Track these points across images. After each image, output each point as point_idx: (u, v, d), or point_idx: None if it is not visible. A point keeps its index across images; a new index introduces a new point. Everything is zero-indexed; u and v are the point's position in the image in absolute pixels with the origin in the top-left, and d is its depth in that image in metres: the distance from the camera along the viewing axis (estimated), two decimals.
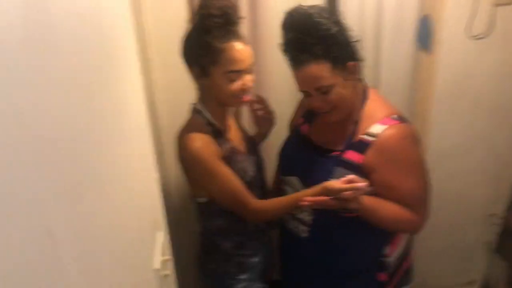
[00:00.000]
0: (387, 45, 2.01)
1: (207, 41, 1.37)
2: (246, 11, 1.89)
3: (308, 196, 1.39)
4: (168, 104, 1.90)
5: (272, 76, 1.99)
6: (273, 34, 1.86)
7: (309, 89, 1.42)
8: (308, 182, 1.48)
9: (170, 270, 1.13)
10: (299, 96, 1.78)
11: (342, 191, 1.30)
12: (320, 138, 1.60)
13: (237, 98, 1.46)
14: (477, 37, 1.92)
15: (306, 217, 1.57)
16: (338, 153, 1.49)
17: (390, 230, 1.55)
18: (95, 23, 0.73)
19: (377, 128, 1.44)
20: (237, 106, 1.53)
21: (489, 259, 2.40)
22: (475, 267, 2.47)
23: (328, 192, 1.33)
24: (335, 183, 1.33)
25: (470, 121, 2.11)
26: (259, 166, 1.67)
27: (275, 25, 1.49)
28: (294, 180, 1.58)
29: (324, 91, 1.40)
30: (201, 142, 1.42)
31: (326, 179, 1.40)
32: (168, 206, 1.94)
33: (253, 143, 1.70)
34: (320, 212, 1.54)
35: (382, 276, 1.62)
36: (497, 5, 1.85)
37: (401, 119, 1.47)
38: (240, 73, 1.42)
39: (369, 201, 1.39)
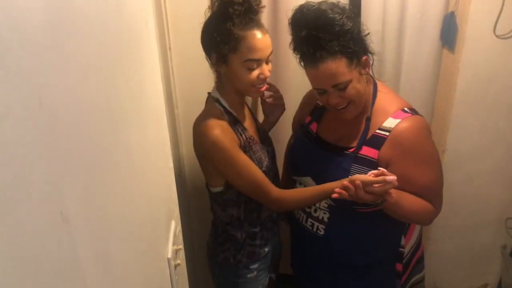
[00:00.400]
0: (410, 41, 1.97)
1: (227, 28, 1.36)
2: (267, 0, 1.88)
3: (333, 189, 1.37)
4: (185, 93, 1.89)
5: (289, 68, 1.98)
6: None
7: (326, 87, 1.40)
8: (323, 181, 1.46)
9: (181, 260, 1.13)
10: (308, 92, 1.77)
11: (373, 184, 1.29)
12: (331, 136, 1.58)
13: (254, 88, 1.45)
14: (503, 37, 1.88)
15: (322, 215, 1.57)
16: (353, 150, 1.48)
17: (409, 221, 1.55)
18: (115, 8, 0.72)
19: (390, 122, 1.45)
20: (255, 96, 1.52)
21: (504, 263, 2.36)
22: (490, 270, 2.44)
23: (356, 184, 1.31)
24: (364, 176, 1.32)
25: (491, 122, 2.07)
26: (273, 156, 1.67)
27: None
28: (308, 180, 1.57)
29: (342, 87, 1.39)
30: (220, 129, 1.42)
31: (343, 177, 1.39)
32: (181, 196, 1.95)
33: (266, 134, 1.70)
34: (336, 210, 1.54)
35: (399, 266, 1.65)
36: None
37: (413, 111, 1.48)
38: (259, 62, 1.41)
39: (395, 194, 1.37)
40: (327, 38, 1.33)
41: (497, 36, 1.87)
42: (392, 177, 1.27)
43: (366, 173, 1.36)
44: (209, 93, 1.58)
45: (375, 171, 1.32)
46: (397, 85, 2.06)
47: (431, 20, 1.94)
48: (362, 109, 1.49)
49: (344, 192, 1.32)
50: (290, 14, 1.44)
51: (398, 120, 1.44)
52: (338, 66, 1.35)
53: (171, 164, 1.10)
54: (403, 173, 1.40)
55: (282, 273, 1.99)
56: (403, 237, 1.63)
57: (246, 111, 1.62)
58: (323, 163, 1.54)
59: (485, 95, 2.00)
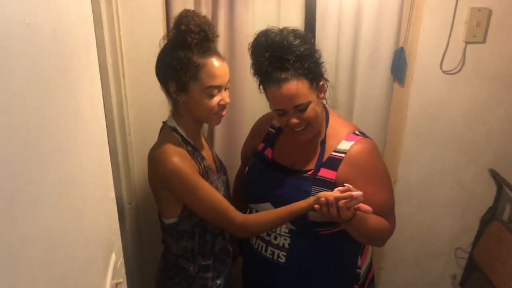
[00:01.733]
0: (362, 74, 2.04)
1: (186, 57, 1.37)
2: (222, 30, 1.91)
3: (301, 208, 1.39)
4: (139, 120, 1.87)
5: (246, 94, 2.00)
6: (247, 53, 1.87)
7: (288, 107, 1.43)
8: (284, 205, 1.46)
9: None
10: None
11: (340, 200, 1.31)
12: (286, 161, 1.60)
13: (215, 114, 1.46)
14: (449, 72, 1.96)
15: (283, 241, 1.57)
16: (311, 172, 1.51)
17: (369, 240, 1.56)
18: (51, 36, 0.70)
19: (344, 145, 1.51)
20: (215, 123, 1.52)
21: None
22: None
23: (330, 201, 1.32)
24: (330, 193, 1.34)
25: (439, 154, 2.13)
26: (227, 186, 1.66)
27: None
28: (266, 206, 1.56)
29: (302, 108, 1.42)
30: (179, 156, 1.41)
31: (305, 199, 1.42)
32: (131, 226, 1.91)
33: (221, 162, 1.70)
34: (297, 234, 1.55)
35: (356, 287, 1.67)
36: (467, 42, 1.90)
37: (363, 134, 1.55)
38: (219, 88, 1.43)
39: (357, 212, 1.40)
40: (291, 59, 1.38)
41: (444, 72, 1.95)
42: (358, 193, 1.31)
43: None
44: (164, 122, 1.56)
45: (340, 188, 1.35)
46: (350, 116, 2.11)
47: (382, 54, 2.01)
48: (316, 133, 1.53)
49: (324, 203, 1.33)
50: (250, 39, 1.48)
51: (352, 142, 1.50)
52: (300, 87, 1.39)
53: (112, 195, 1.07)
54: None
55: None
56: (359, 257, 1.66)
57: (203, 140, 1.61)
58: (282, 187, 1.55)
59: (433, 128, 2.07)
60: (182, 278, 1.56)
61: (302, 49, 1.39)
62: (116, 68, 1.73)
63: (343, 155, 1.50)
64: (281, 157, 1.62)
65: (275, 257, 1.60)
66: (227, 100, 1.46)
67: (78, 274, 0.82)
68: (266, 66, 1.41)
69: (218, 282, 1.63)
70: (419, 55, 1.92)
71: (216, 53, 1.43)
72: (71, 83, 0.80)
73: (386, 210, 1.51)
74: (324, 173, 1.50)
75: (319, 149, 1.54)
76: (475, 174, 2.19)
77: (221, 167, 1.67)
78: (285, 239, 1.57)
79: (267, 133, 1.69)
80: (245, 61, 1.87)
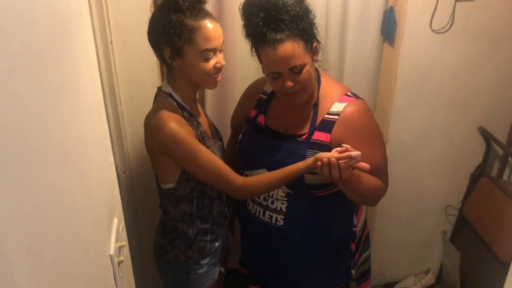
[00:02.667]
0: (352, 35, 2.03)
1: (179, 20, 1.35)
2: None
3: (300, 169, 1.41)
4: (129, 88, 1.85)
5: (236, 59, 1.98)
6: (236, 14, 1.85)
7: (283, 70, 1.41)
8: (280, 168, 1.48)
9: (125, 257, 1.11)
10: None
11: (339, 160, 1.32)
12: (280, 126, 1.60)
13: (211, 78, 1.45)
14: (438, 31, 1.96)
15: (280, 205, 1.59)
16: (305, 136, 1.52)
17: (364, 199, 1.58)
18: None
19: (337, 106, 1.51)
20: (211, 87, 1.51)
21: (444, 248, 2.47)
22: (431, 256, 2.55)
23: (332, 163, 1.33)
24: (329, 154, 1.35)
25: (430, 114, 2.16)
26: (223, 151, 1.67)
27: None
28: (262, 172, 1.57)
29: (297, 70, 1.41)
30: (176, 122, 1.40)
31: None
32: (126, 194, 1.92)
33: (216, 128, 1.70)
34: (293, 198, 1.57)
35: (353, 246, 1.72)
36: (456, 0, 1.89)
37: (355, 95, 1.56)
38: (214, 51, 1.41)
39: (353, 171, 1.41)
40: (287, 19, 1.36)
41: (433, 31, 1.95)
42: (356, 153, 1.32)
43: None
44: (159, 87, 1.55)
45: (338, 148, 1.36)
46: (341, 78, 2.11)
47: (372, 14, 2.00)
48: (309, 96, 1.53)
49: (326, 163, 1.34)
50: (241, 0, 1.45)
51: (344, 104, 1.51)
52: (296, 48, 1.38)
53: (111, 159, 1.07)
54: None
55: (230, 268, 1.99)
56: (355, 216, 1.70)
57: (198, 106, 1.61)
58: (277, 152, 1.55)
59: (423, 88, 2.08)
60: (182, 241, 1.59)
61: (297, 9, 1.37)
62: (104, 35, 1.70)
63: (336, 117, 1.50)
64: (274, 123, 1.62)
65: (273, 221, 1.62)
66: (223, 62, 1.45)
67: (86, 236, 0.83)
68: (260, 27, 1.38)
69: (216, 244, 1.66)
70: (408, 15, 1.91)
71: (209, 15, 1.41)
72: (69, 45, 0.79)
73: (380, 169, 1.53)
74: (318, 136, 1.51)
75: (312, 113, 1.54)
76: (464, 133, 2.22)
77: (216, 133, 1.67)
78: (282, 203, 1.59)
79: (259, 100, 1.69)
80: (235, 23, 1.85)
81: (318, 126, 1.52)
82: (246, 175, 1.65)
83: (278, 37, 1.36)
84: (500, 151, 2.25)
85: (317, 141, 1.51)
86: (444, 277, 2.51)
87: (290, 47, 1.37)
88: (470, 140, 2.24)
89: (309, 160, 1.40)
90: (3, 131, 0.51)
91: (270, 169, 1.53)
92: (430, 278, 2.56)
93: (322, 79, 1.58)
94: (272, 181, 1.48)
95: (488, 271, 2.17)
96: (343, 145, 1.36)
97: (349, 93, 1.56)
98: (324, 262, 1.70)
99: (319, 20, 1.94)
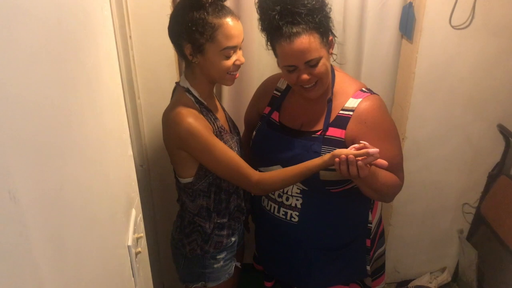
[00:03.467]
0: (370, 30, 2.02)
1: (202, 17, 1.36)
2: None
3: (316, 165, 1.41)
4: (147, 83, 1.87)
5: (253, 54, 1.99)
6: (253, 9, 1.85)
7: (299, 63, 1.41)
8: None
9: (143, 248, 1.12)
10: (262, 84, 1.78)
11: (357, 157, 1.32)
12: (294, 123, 1.60)
13: (229, 75, 1.46)
14: (458, 27, 1.93)
15: (295, 201, 1.59)
16: (320, 132, 1.52)
17: (380, 195, 1.57)
18: None
19: (352, 102, 1.51)
20: (229, 84, 1.52)
21: (460, 246, 2.45)
22: (448, 254, 2.53)
23: (350, 159, 1.33)
24: (346, 151, 1.35)
25: (448, 110, 2.13)
26: (241, 146, 1.68)
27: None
28: (277, 169, 1.56)
29: (313, 64, 1.41)
30: (193, 117, 1.41)
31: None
32: (143, 187, 1.94)
33: (234, 123, 1.71)
34: (308, 194, 1.57)
35: (368, 242, 1.71)
36: None
37: (370, 91, 1.55)
38: (235, 48, 1.42)
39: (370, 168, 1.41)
40: (303, 13, 1.35)
41: (453, 27, 1.93)
42: (374, 150, 1.31)
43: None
44: (177, 82, 1.56)
45: (356, 145, 1.36)
46: (359, 74, 2.10)
47: (390, 10, 1.99)
48: (323, 91, 1.52)
49: (344, 160, 1.33)
50: None
51: (359, 100, 1.50)
52: (312, 42, 1.37)
53: (130, 152, 1.09)
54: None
55: (246, 263, 2.00)
56: (370, 212, 1.69)
57: (216, 101, 1.62)
58: (292, 149, 1.55)
59: (441, 84, 2.06)
60: (198, 235, 1.60)
61: (313, 2, 1.37)
62: (123, 29, 1.72)
63: (351, 113, 1.50)
64: (288, 120, 1.62)
65: (288, 218, 1.62)
66: (242, 59, 1.46)
67: (104, 227, 0.85)
68: (276, 21, 1.38)
69: (233, 239, 1.67)
70: (427, 10, 1.90)
71: (230, 13, 1.41)
72: (90, 38, 0.80)
73: (396, 166, 1.52)
74: (333, 132, 1.51)
75: (326, 108, 1.54)
76: (482, 130, 2.19)
77: (234, 128, 1.68)
78: (297, 200, 1.59)
79: (272, 96, 1.69)
80: (252, 18, 1.85)
81: (332, 122, 1.52)
82: (261, 172, 1.65)
83: (294, 30, 1.36)
84: None
85: (332, 137, 1.50)
86: (460, 276, 2.49)
87: (307, 41, 1.37)
88: (489, 137, 2.21)
89: (326, 157, 1.40)
90: (27, 122, 0.53)
91: (284, 165, 1.53)
92: (446, 276, 2.54)
93: (336, 74, 1.57)
94: (288, 177, 1.48)
95: (506, 270, 2.15)
96: (361, 142, 1.35)
97: (364, 89, 1.55)
98: (339, 258, 1.69)
99: (337, 16, 1.95)
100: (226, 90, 2.08)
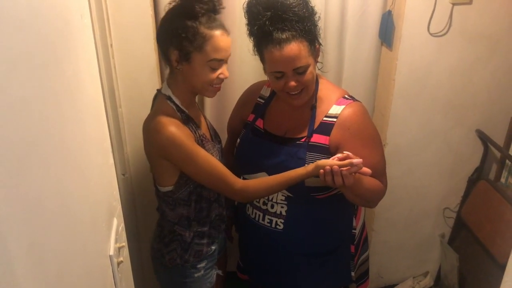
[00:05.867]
0: (351, 38, 2.04)
1: (194, 26, 1.36)
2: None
3: (299, 175, 1.43)
4: (128, 91, 1.86)
5: (236, 58, 1.99)
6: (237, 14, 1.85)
7: (287, 69, 1.41)
8: (281, 172, 1.48)
9: (125, 258, 1.11)
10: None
11: (341, 167, 1.33)
12: (278, 130, 1.61)
13: (212, 87, 1.46)
14: (436, 35, 1.97)
15: (280, 209, 1.59)
16: (304, 139, 1.52)
17: (364, 201, 1.58)
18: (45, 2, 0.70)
19: (335, 109, 1.52)
20: (211, 96, 1.52)
21: (442, 250, 2.48)
22: (430, 258, 2.55)
23: (335, 170, 1.34)
24: (330, 161, 1.36)
25: (428, 117, 2.17)
26: (222, 154, 1.67)
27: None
28: (262, 176, 1.57)
29: (301, 71, 1.42)
30: (175, 125, 1.41)
31: (300, 166, 1.45)
32: (125, 196, 1.92)
33: (215, 131, 1.70)
34: (293, 201, 1.57)
35: (352, 248, 1.72)
36: (454, 3, 1.91)
37: (353, 98, 1.57)
38: (221, 62, 1.43)
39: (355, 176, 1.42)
40: (294, 19, 1.36)
41: (431, 34, 1.97)
42: (358, 160, 1.33)
43: (320, 160, 1.41)
44: (158, 90, 1.55)
45: (339, 155, 1.36)
46: (339, 81, 2.12)
47: (370, 18, 2.02)
48: (308, 98, 1.53)
49: (329, 171, 1.34)
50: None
51: (342, 107, 1.52)
52: (301, 49, 1.38)
53: (111, 160, 1.08)
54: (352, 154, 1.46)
55: (229, 271, 1.99)
56: (354, 218, 1.70)
57: (197, 109, 1.61)
58: (277, 156, 1.55)
59: (421, 91, 2.09)
60: (178, 244, 1.59)
61: (303, 10, 1.38)
62: (104, 38, 1.71)
63: (334, 119, 1.51)
64: (273, 127, 1.62)
65: (273, 225, 1.62)
66: (226, 74, 1.46)
67: (86, 236, 0.84)
68: (267, 26, 1.38)
69: (213, 248, 1.66)
70: (406, 18, 1.93)
71: (222, 26, 1.42)
72: (69, 46, 0.80)
73: (379, 171, 1.54)
74: (317, 138, 1.52)
75: (310, 115, 1.55)
76: (462, 136, 2.23)
77: (216, 137, 1.68)
78: (282, 207, 1.59)
79: (256, 104, 1.69)
80: (234, 23, 1.86)
81: (316, 128, 1.53)
82: (245, 179, 1.64)
83: (284, 36, 1.37)
84: (497, 154, 2.26)
85: (316, 143, 1.51)
86: (442, 280, 2.52)
87: (296, 48, 1.38)
88: (468, 143, 2.25)
89: (310, 167, 1.41)
90: (5, 129, 0.52)
91: (270, 172, 1.53)
92: (428, 281, 2.56)
93: (320, 81, 1.58)
94: (272, 185, 1.49)
95: (486, 273, 2.18)
96: (344, 152, 1.36)
97: (346, 96, 1.57)
98: (325, 264, 1.69)
99: (318, 23, 1.97)
100: (208, 98, 2.07)
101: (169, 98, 1.48)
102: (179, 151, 1.42)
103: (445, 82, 2.09)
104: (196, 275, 1.63)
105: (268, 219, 1.62)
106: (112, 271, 1.01)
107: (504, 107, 2.19)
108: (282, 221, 1.60)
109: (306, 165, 1.46)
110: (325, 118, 1.53)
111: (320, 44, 1.50)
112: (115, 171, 1.11)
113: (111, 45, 1.76)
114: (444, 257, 2.46)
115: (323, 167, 1.35)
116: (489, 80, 2.11)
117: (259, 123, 1.65)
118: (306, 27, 1.39)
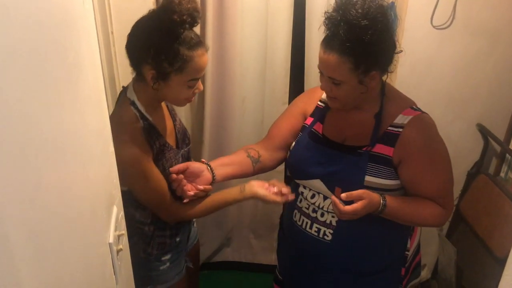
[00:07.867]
0: None
1: (174, 48, 1.30)
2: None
3: (235, 200, 1.51)
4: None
5: (235, 57, 1.98)
6: (237, 15, 1.85)
7: (324, 72, 1.40)
8: (337, 182, 1.44)
9: (124, 246, 1.11)
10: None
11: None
12: (337, 136, 1.53)
13: (186, 101, 1.45)
14: (439, 27, 1.96)
15: (330, 218, 1.52)
16: (366, 148, 1.45)
17: (416, 224, 1.55)
18: None
19: (401, 119, 1.44)
20: (181, 106, 1.52)
21: (440, 244, 2.48)
22: (428, 252, 2.55)
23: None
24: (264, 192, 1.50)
25: (428, 110, 2.12)
26: (187, 158, 1.62)
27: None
28: (316, 182, 1.51)
29: (336, 82, 1.38)
30: (137, 147, 1.36)
31: (358, 177, 1.41)
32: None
33: (184, 134, 1.64)
34: None
35: (403, 270, 1.62)
36: None
37: (420, 110, 1.49)
38: (199, 79, 1.40)
39: (391, 203, 1.39)
40: (346, 38, 1.29)
41: (434, 27, 1.96)
42: (286, 189, 1.50)
43: (382, 171, 1.40)
44: (123, 87, 1.48)
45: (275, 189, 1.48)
46: None
47: None
48: (368, 107, 1.47)
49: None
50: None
51: (410, 117, 1.44)
52: (340, 65, 1.33)
53: (111, 148, 1.07)
54: (418, 172, 1.42)
55: (204, 263, 1.95)
56: (409, 239, 1.62)
57: (163, 113, 1.55)
58: (335, 164, 1.48)
59: (422, 84, 2.09)
60: (139, 237, 1.54)
61: (364, 36, 1.28)
62: (105, 25, 1.71)
63: (400, 129, 1.42)
64: (332, 133, 1.54)
65: (320, 235, 1.54)
66: (201, 88, 1.44)
67: (85, 224, 0.84)
68: (334, 26, 1.32)
69: (178, 239, 1.62)
70: (409, 10, 1.92)
71: (201, 43, 1.36)
72: (71, 31, 0.79)
73: (443, 191, 1.47)
74: (380, 149, 1.43)
75: (373, 124, 1.46)
76: (462, 129, 2.23)
77: (183, 140, 1.61)
78: (332, 216, 1.51)
79: (316, 107, 1.61)
80: (235, 23, 1.86)
81: (380, 138, 1.44)
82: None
83: (333, 43, 1.32)
84: (498, 148, 2.26)
85: (379, 153, 1.43)
86: (439, 273, 2.53)
87: (335, 61, 1.33)
88: (468, 136, 2.25)
89: (247, 193, 1.49)
90: (4, 115, 0.51)
91: (325, 180, 1.47)
92: (425, 273, 2.57)
93: (386, 88, 1.50)
94: (206, 209, 1.52)
95: (484, 267, 2.19)
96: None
97: (414, 107, 1.49)
98: (370, 284, 1.60)
99: (321, 19, 1.95)
100: (208, 97, 2.05)
101: (133, 104, 1.40)
102: (136, 174, 1.38)
103: (446, 75, 2.08)
104: (161, 268, 1.60)
105: (316, 227, 1.54)
106: (112, 259, 1.01)
107: (505, 101, 2.18)
108: (331, 231, 1.52)
109: (366, 176, 1.42)
110: (390, 128, 1.44)
111: (384, 71, 1.41)
112: (115, 158, 1.10)
113: (112, 32, 1.75)
114: (442, 250, 2.47)
115: (262, 196, 1.47)
116: (490, 74, 2.11)
117: (318, 127, 1.57)
118: (357, 52, 1.30)
